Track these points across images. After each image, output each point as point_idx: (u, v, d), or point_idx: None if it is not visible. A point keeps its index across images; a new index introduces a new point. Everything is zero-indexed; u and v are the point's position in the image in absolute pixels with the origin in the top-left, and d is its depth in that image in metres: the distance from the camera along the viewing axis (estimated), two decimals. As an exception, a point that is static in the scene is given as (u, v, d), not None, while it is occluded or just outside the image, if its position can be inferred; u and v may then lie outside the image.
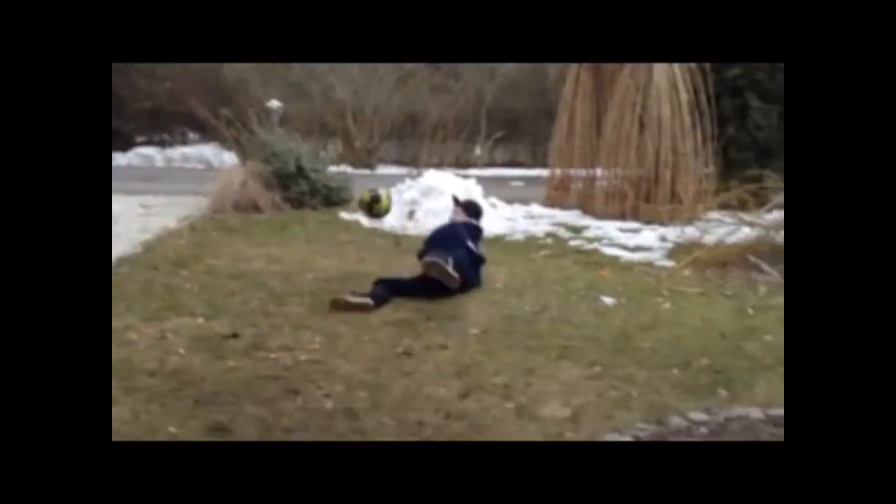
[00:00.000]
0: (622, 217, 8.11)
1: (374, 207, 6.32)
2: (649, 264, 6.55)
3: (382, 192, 6.31)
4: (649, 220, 7.88)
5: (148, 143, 13.31)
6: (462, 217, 6.24)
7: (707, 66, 7.86)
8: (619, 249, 7.07)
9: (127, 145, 12.95)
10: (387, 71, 12.13)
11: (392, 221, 7.81)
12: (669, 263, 6.52)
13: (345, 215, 8.31)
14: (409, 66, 12.02)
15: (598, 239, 7.42)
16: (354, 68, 12.27)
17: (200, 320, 4.89)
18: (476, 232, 6.14)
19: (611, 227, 7.79)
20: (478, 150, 12.73)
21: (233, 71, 12.29)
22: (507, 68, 12.35)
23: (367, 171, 11.84)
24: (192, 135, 13.40)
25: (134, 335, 4.57)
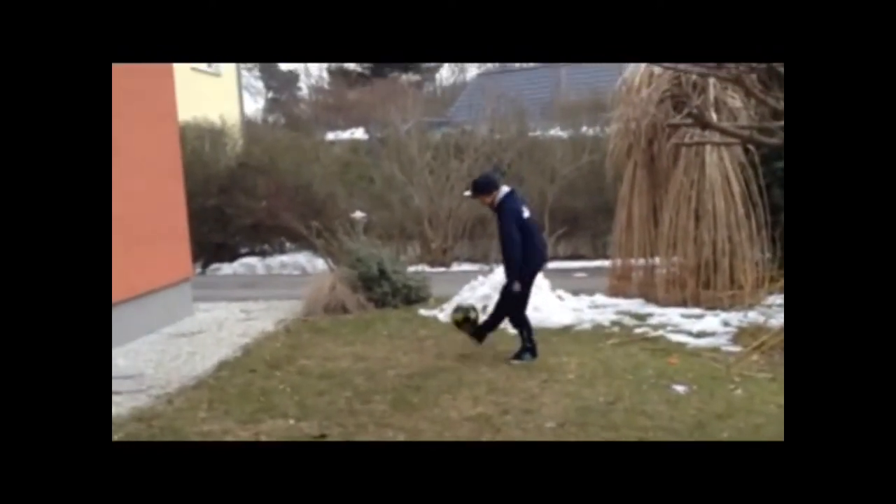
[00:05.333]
0: (684, 304, 7.64)
1: (464, 326, 6.18)
2: (716, 350, 6.06)
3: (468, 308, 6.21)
4: (711, 306, 7.40)
5: (251, 253, 13.44)
6: (486, 200, 5.99)
7: (757, 159, 7.49)
8: (685, 336, 6.60)
9: (233, 256, 13.12)
10: (457, 180, 12.09)
11: (468, 316, 7.52)
12: (736, 349, 6.02)
13: (424, 312, 8.07)
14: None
15: (662, 326, 6.97)
16: (429, 179, 12.28)
17: (291, 421, 4.66)
18: (500, 211, 5.89)
19: (674, 314, 7.33)
20: (543, 246, 12.41)
21: (322, 186, 12.42)
22: (567, 171, 12.14)
23: (442, 269, 11.67)
24: (289, 244, 13.48)
25: (230, 438, 4.36)
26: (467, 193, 6.46)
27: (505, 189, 5.98)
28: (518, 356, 5.93)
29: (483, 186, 6.02)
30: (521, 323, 5.99)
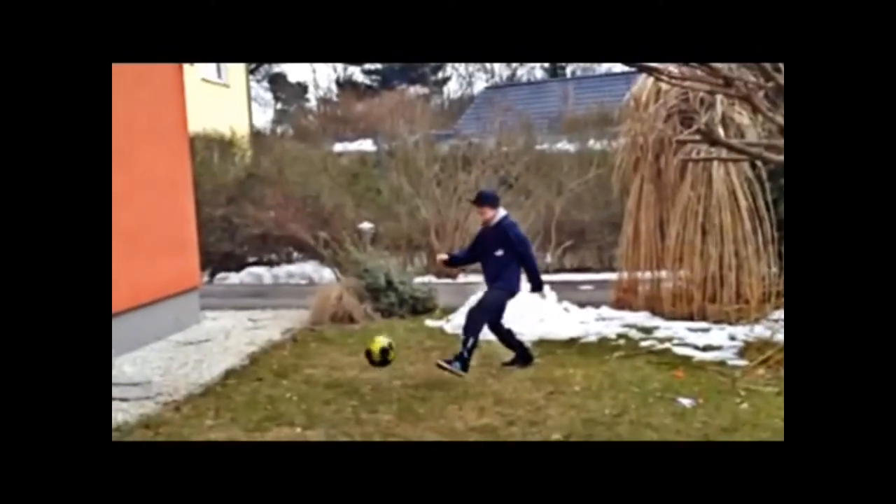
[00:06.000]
0: (690, 317, 7.64)
1: (387, 357, 5.70)
2: (722, 363, 6.06)
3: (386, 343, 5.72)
4: (717, 320, 7.39)
5: (258, 263, 13.48)
6: (486, 213, 6.03)
7: (763, 174, 7.50)
8: (691, 349, 6.60)
9: (240, 266, 13.15)
10: (465, 192, 12.13)
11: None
12: (742, 362, 6.01)
13: (430, 323, 8.08)
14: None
15: (668, 339, 6.96)
16: (436, 191, 12.32)
17: (298, 430, 4.67)
18: (499, 232, 5.97)
19: (680, 328, 7.33)
20: (548, 258, 12.42)
21: (330, 197, 12.47)
22: (574, 184, 12.18)
23: (449, 281, 11.67)
24: (296, 254, 13.52)
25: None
26: (471, 200, 6.65)
27: (503, 211, 6.18)
28: (451, 361, 5.66)
29: (490, 199, 6.17)
30: (477, 333, 5.79)
